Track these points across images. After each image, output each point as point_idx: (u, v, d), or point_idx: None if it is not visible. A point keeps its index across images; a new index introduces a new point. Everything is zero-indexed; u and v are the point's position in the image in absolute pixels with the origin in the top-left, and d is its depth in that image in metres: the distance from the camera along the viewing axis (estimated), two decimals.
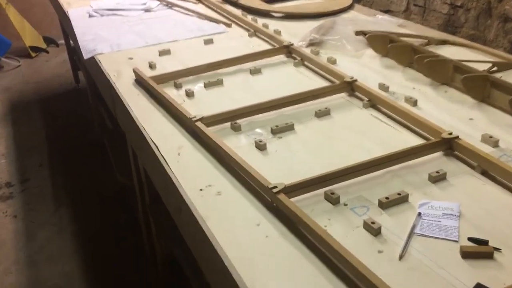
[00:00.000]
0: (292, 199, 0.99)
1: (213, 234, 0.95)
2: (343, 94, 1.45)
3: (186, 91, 1.51)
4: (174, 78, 1.58)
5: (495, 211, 0.98)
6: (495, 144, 1.18)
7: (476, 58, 1.62)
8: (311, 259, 0.88)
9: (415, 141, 1.20)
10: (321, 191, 1.03)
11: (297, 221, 0.93)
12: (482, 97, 1.38)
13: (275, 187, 0.99)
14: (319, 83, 1.53)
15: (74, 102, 3.64)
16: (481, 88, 1.38)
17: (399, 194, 1.01)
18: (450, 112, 1.34)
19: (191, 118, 1.27)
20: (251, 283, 0.84)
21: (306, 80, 1.57)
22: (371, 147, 1.19)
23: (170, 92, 1.48)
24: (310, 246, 0.90)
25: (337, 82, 1.48)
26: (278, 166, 1.14)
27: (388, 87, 1.45)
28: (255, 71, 1.63)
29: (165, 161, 1.17)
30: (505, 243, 0.89)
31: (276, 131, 1.27)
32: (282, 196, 0.97)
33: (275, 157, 1.18)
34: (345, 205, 1.00)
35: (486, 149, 1.14)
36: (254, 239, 0.94)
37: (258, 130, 1.29)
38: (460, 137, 1.15)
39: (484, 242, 0.89)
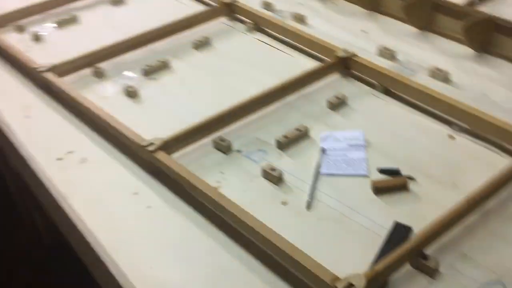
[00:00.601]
0: (174, 155, 0.81)
1: (78, 214, 0.75)
2: (223, 19, 1.25)
3: (32, 34, 1.22)
4: (15, 19, 1.27)
5: (402, 132, 0.88)
6: (393, 56, 1.07)
7: None
8: (207, 229, 0.72)
9: (310, 64, 1.06)
10: (209, 139, 0.86)
11: (183, 182, 0.76)
12: (372, 6, 1.26)
13: (151, 144, 0.80)
14: (194, 8, 1.32)
15: None
16: None
17: (298, 130, 0.87)
18: (342, 26, 1.20)
19: (37, 68, 1.01)
20: (131, 269, 0.67)
21: (179, 6, 1.34)
22: (261, 78, 1.02)
23: (11, 38, 1.20)
24: (204, 212, 0.74)
25: (215, 5, 1.28)
26: (155, 116, 0.94)
27: (272, 5, 1.28)
28: (117, 2, 1.37)
29: (8, 126, 0.93)
30: (418, 169, 0.79)
31: (149, 72, 1.06)
32: (160, 154, 0.79)
33: (150, 105, 0.98)
34: (239, 151, 0.85)
35: (384, 64, 1.03)
36: (131, 212, 0.76)
37: (127, 73, 1.07)
38: (355, 53, 1.02)
39: (396, 172, 0.79)
